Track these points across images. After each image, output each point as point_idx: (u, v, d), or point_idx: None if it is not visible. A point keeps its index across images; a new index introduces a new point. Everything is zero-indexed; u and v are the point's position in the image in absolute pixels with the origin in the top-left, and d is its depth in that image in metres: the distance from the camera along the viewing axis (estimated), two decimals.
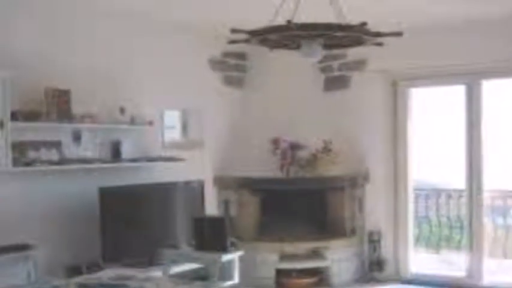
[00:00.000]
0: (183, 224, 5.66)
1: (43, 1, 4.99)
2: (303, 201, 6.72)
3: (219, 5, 5.33)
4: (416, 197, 7.31)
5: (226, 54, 6.78)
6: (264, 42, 4.10)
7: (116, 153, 5.38)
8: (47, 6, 5.02)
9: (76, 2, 5.15)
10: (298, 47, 4.14)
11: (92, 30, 5.36)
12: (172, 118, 6.16)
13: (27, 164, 4.65)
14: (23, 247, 4.48)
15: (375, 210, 6.82)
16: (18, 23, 4.83)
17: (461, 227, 7.16)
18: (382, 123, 6.85)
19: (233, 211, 6.57)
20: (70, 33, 5.19)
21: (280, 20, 3.80)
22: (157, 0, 5.20)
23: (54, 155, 4.87)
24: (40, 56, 4.92)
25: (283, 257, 6.37)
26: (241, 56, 6.96)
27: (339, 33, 3.86)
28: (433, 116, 6.98)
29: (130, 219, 5.26)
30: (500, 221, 7.30)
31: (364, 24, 3.77)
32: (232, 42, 4.20)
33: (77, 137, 5.12)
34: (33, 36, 4.91)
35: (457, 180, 6.84)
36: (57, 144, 4.94)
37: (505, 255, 7.15)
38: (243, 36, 3.98)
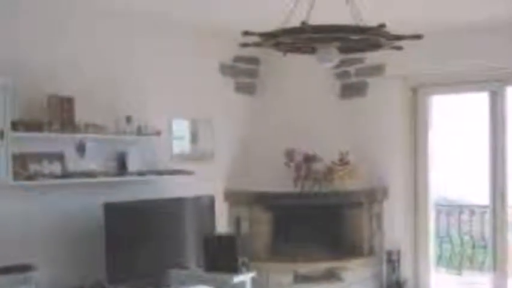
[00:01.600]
0: (192, 242, 5.64)
1: (44, 4, 4.97)
2: (318, 218, 6.69)
3: (230, 6, 5.32)
4: (437, 213, 7.31)
5: (238, 59, 6.74)
6: (277, 45, 4.10)
7: (121, 165, 5.35)
8: (48, 8, 5.00)
9: (77, 3, 5.14)
10: (313, 51, 4.13)
11: (96, 34, 5.34)
12: (181, 128, 6.12)
13: (29, 178, 4.61)
14: (23, 268, 4.44)
15: (393, 227, 6.80)
16: (19, 27, 4.81)
17: (485, 246, 7.16)
18: (401, 133, 6.84)
19: (245, 228, 6.53)
20: (73, 37, 5.17)
21: (294, 22, 3.79)
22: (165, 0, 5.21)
23: (56, 168, 4.83)
24: (41, 61, 4.90)
25: (298, 278, 6.33)
26: (254, 60, 6.93)
27: (356, 36, 3.86)
28: (455, 126, 6.98)
29: (137, 237, 5.23)
30: None
31: (382, 26, 3.76)
32: (244, 45, 4.18)
33: (81, 149, 5.09)
34: (34, 41, 4.89)
35: (481, 195, 6.82)
36: (60, 157, 4.91)
37: None
38: (255, 39, 3.98)
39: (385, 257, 6.76)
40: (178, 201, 5.67)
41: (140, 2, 5.23)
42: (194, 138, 6.28)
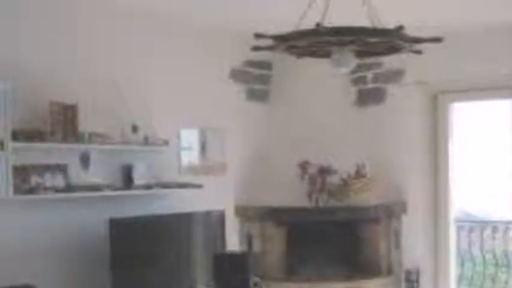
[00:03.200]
0: (201, 260, 5.61)
1: (45, 6, 4.95)
2: (333, 234, 6.65)
3: (240, 8, 5.32)
4: (458, 229, 7.26)
5: (249, 64, 6.71)
6: (290, 49, 4.07)
7: (127, 178, 5.31)
8: (49, 10, 4.99)
9: (82, 5, 5.13)
10: (328, 55, 4.09)
11: (99, 37, 5.31)
12: (189, 138, 6.06)
13: (30, 191, 4.57)
14: None
15: (412, 244, 6.75)
16: (19, 30, 4.77)
17: (508, 265, 7.13)
18: (420, 143, 6.81)
19: (257, 246, 6.48)
20: (75, 41, 5.14)
21: (308, 23, 3.77)
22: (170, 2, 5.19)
23: (59, 181, 4.78)
24: (42, 66, 4.87)
25: None
26: (266, 65, 6.90)
27: (373, 39, 3.83)
28: (477, 135, 6.94)
29: (143, 255, 5.19)
30: None
31: (401, 28, 3.73)
32: (256, 49, 4.16)
33: (84, 160, 5.05)
34: (35, 44, 4.86)
35: (504, 211, 6.79)
36: (63, 168, 4.86)
37: None
38: (268, 42, 3.95)
39: (403, 277, 6.71)
40: (187, 217, 5.63)
41: (146, 3, 5.21)
42: (203, 149, 6.23)
